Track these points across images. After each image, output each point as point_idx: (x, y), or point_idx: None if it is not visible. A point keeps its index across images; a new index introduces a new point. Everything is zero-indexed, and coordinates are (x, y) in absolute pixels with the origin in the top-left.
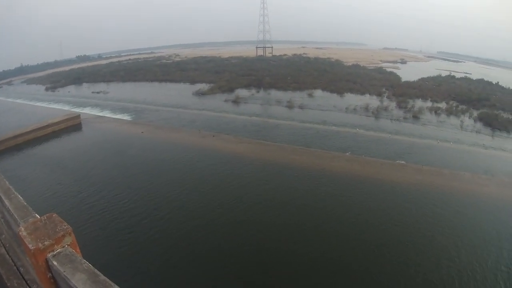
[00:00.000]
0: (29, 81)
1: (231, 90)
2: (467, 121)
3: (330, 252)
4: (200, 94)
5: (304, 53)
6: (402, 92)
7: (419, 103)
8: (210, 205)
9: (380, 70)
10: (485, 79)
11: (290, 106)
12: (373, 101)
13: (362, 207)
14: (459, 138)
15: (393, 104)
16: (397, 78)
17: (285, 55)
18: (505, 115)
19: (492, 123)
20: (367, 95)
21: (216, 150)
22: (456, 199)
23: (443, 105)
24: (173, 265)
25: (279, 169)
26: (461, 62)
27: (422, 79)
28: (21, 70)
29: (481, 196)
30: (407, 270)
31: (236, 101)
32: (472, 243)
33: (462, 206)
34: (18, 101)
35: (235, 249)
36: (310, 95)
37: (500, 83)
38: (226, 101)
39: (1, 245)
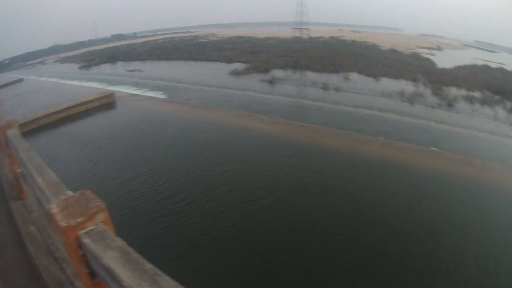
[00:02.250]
0: (63, 60)
1: (267, 70)
2: (501, 112)
3: (364, 235)
4: (236, 73)
5: (341, 36)
6: (438, 79)
7: (454, 91)
8: (246, 187)
9: (416, 56)
10: None
11: (325, 88)
12: (408, 87)
13: (393, 192)
14: (492, 129)
15: (428, 91)
16: (433, 64)
17: (322, 37)
18: None
19: None
20: (403, 80)
21: (251, 130)
22: (486, 189)
23: (477, 94)
24: (208, 249)
25: (311, 150)
26: (496, 52)
27: (458, 67)
28: (55, 49)
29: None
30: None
31: (272, 81)
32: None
33: (490, 196)
34: (52, 79)
35: (274, 230)
36: (346, 78)
37: None
38: (262, 81)
39: (32, 223)
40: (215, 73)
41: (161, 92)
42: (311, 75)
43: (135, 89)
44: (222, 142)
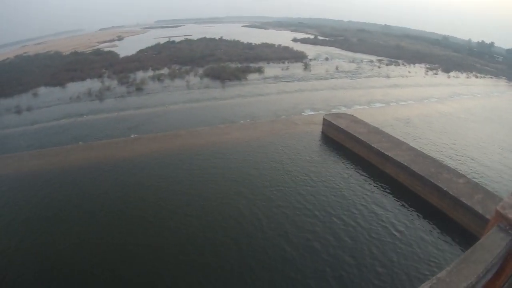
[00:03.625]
0: None
1: None
2: (194, 79)
3: None
4: None
5: (25, 52)
6: (122, 68)
7: (140, 74)
8: None
9: (97, 52)
10: (208, 36)
11: (19, 111)
12: (95, 84)
13: (100, 193)
14: (189, 98)
15: (114, 82)
16: (115, 55)
17: (7, 58)
18: (232, 65)
19: (220, 76)
20: (89, 80)
21: None
22: (199, 153)
23: (165, 71)
24: None
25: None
26: (180, 26)
27: (141, 51)
28: None
29: (228, 142)
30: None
31: None
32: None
33: (209, 156)
34: None
35: None
36: (35, 94)
37: (224, 37)
38: None
39: None
40: None
41: None
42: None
43: None
44: None
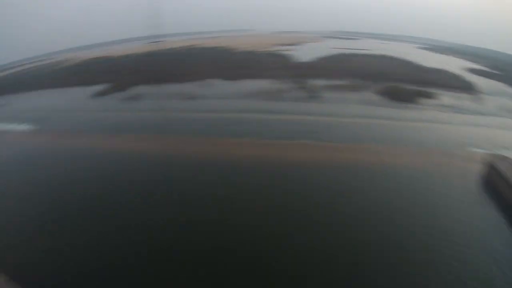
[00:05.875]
0: None
1: (126, 87)
2: (370, 96)
3: None
4: (98, 95)
5: (193, 45)
6: (301, 73)
7: (318, 82)
8: None
9: (274, 54)
10: (386, 54)
11: (192, 97)
12: (272, 85)
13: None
14: (364, 113)
15: (292, 86)
16: (294, 60)
17: (180, 47)
18: (408, 87)
19: (396, 96)
20: (265, 80)
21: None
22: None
23: (343, 82)
24: None
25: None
26: (358, 39)
27: (319, 59)
28: None
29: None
30: None
31: (133, 98)
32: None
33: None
34: None
35: None
36: (203, 86)
37: (405, 58)
38: (123, 99)
39: None
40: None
41: None
42: (171, 87)
43: None
44: None
